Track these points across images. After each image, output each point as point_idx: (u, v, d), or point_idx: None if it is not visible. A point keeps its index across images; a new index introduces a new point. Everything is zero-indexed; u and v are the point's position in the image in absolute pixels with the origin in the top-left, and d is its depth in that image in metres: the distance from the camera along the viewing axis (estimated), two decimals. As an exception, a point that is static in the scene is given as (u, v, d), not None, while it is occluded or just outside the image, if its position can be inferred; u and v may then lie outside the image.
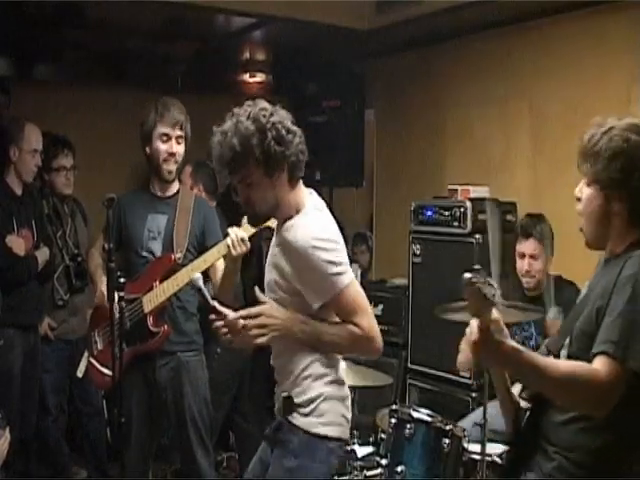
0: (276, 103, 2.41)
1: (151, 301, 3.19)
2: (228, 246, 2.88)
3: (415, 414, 3.14)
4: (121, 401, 2.85)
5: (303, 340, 2.34)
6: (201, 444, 3.33)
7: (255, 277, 3.94)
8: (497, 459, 2.94)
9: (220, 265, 3.11)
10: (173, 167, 3.31)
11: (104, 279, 3.03)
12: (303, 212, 2.36)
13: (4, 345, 3.70)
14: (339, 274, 2.29)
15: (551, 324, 3.35)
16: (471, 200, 4.26)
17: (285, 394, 2.38)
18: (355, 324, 2.31)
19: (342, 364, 2.49)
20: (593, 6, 4.05)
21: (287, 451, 2.36)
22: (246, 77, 5.82)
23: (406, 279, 4.64)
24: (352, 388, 2.63)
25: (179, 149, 3.29)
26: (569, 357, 1.95)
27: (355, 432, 3.41)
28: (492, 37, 4.63)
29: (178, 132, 3.27)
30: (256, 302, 2.39)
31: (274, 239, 2.46)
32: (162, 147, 3.26)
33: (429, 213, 4.43)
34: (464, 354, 3.01)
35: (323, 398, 2.36)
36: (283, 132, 2.30)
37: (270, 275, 2.42)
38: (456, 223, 4.26)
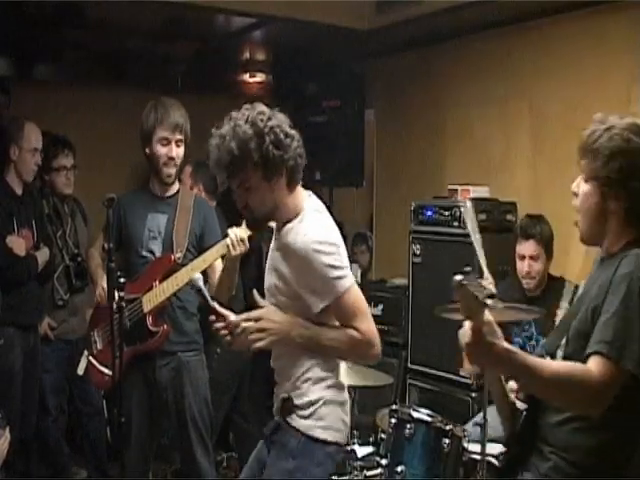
0: (276, 103, 2.41)
1: (150, 301, 3.19)
2: (227, 246, 2.88)
3: (415, 414, 3.14)
4: (121, 401, 2.85)
5: (302, 344, 2.33)
6: (201, 444, 3.33)
7: (255, 277, 3.94)
8: (493, 460, 2.94)
9: (218, 265, 3.11)
10: (173, 170, 3.31)
11: (104, 279, 3.03)
12: (302, 215, 2.35)
13: (4, 345, 3.70)
14: (340, 278, 2.27)
15: None
16: (471, 200, 4.26)
17: (284, 395, 2.38)
18: (355, 328, 2.29)
19: (342, 366, 2.49)
20: (593, 6, 4.05)
21: (285, 452, 2.35)
22: (246, 77, 5.81)
23: (406, 279, 4.64)
24: (352, 388, 2.63)
25: (179, 152, 3.29)
26: (565, 357, 1.94)
27: (355, 432, 3.41)
28: (492, 37, 4.62)
29: (178, 136, 3.26)
30: (256, 305, 2.39)
31: (273, 243, 2.45)
32: (162, 151, 3.26)
33: (429, 213, 4.43)
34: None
35: (323, 402, 2.35)
36: (281, 136, 2.29)
37: (270, 279, 2.42)
38: (456, 223, 4.25)
